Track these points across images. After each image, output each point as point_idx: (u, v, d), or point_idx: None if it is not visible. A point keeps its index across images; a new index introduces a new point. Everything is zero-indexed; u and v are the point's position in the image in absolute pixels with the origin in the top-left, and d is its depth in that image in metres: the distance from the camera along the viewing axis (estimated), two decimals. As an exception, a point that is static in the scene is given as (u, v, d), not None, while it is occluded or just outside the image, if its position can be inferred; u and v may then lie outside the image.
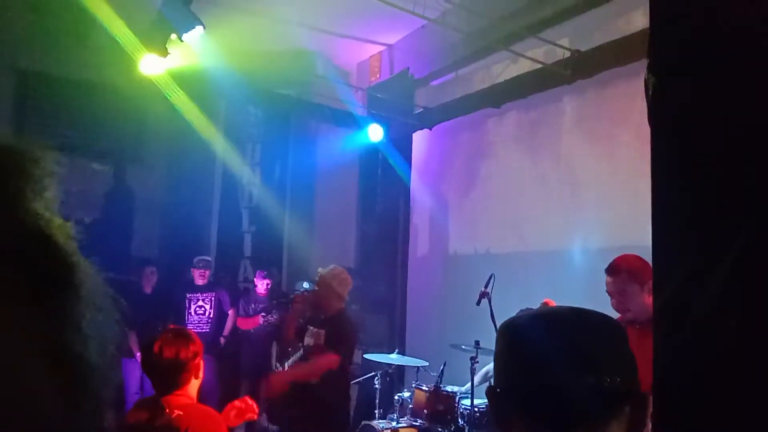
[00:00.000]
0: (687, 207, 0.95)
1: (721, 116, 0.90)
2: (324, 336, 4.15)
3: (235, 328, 6.92)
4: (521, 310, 4.17)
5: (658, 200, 1.00)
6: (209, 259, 6.74)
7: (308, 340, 4.24)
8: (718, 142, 0.91)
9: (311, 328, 4.28)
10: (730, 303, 0.93)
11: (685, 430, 0.99)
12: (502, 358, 0.99)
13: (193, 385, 2.42)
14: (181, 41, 4.92)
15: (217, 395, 6.16)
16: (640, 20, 4.54)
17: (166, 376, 2.36)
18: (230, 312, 6.87)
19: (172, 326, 2.61)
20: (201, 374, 2.45)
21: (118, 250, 7.54)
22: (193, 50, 5.40)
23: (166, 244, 8.17)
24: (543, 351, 0.93)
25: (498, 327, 1.02)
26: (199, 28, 4.77)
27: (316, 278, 4.34)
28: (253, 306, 6.98)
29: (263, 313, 6.82)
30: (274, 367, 6.34)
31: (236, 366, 6.86)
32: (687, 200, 0.95)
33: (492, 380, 1.02)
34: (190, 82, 5.92)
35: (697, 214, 0.94)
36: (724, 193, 0.90)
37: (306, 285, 5.79)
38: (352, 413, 5.87)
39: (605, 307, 2.68)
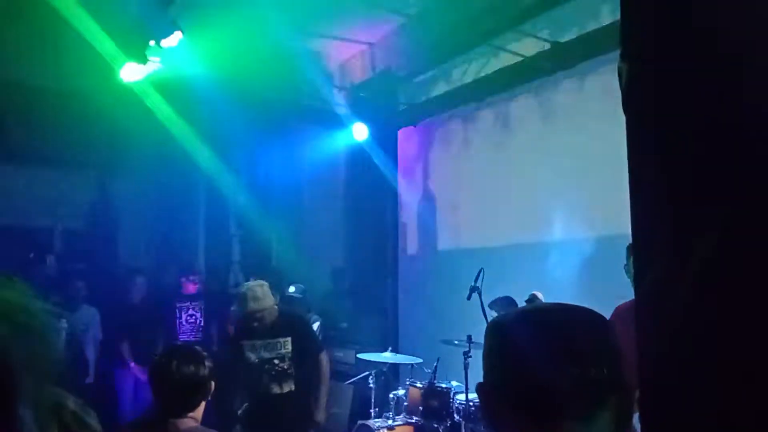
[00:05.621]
0: (664, 193, 0.95)
1: (696, 101, 0.89)
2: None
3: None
4: (495, 300, 4.10)
5: (635, 188, 1.00)
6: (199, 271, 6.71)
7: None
8: (694, 127, 0.90)
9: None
10: (712, 288, 0.92)
11: (672, 418, 0.99)
12: (490, 355, 0.99)
13: (202, 407, 2.28)
14: (160, 47, 4.89)
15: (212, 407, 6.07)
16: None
17: (181, 396, 2.21)
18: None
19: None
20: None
21: (106, 260, 7.49)
22: (172, 56, 5.35)
23: (154, 252, 8.11)
24: (529, 346, 0.93)
25: (486, 325, 1.02)
26: (177, 34, 4.74)
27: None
28: None
29: None
30: None
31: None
32: (664, 186, 0.95)
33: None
34: (170, 87, 5.87)
35: (675, 199, 0.94)
36: (702, 178, 0.90)
37: (292, 289, 5.73)
38: (348, 413, 5.85)
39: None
